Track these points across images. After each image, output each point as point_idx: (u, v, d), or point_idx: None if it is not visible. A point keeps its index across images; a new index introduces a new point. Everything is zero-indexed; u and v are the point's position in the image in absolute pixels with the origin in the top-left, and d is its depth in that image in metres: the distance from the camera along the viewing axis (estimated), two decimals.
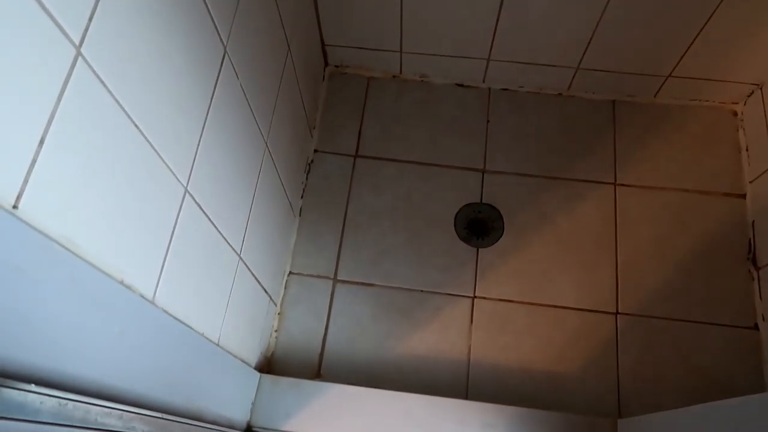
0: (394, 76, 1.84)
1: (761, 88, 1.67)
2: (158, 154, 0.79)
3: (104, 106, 0.66)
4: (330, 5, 1.60)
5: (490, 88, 1.82)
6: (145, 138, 0.75)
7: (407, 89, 1.83)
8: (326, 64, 1.84)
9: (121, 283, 0.74)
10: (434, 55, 1.74)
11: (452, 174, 1.72)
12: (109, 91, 0.66)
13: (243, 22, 1.04)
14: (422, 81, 1.83)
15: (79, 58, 0.60)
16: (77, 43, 0.60)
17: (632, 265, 1.61)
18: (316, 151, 1.75)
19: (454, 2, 1.53)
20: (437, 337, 1.55)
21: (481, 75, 1.79)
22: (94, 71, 0.63)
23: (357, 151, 1.75)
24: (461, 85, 1.83)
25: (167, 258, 0.86)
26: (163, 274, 0.85)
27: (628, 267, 1.61)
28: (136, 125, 0.73)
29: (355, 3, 1.58)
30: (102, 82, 0.64)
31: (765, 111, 1.63)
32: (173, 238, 0.87)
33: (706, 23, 1.49)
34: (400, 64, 1.80)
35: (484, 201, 1.69)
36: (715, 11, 1.45)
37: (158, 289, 0.84)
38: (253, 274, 1.31)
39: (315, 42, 1.68)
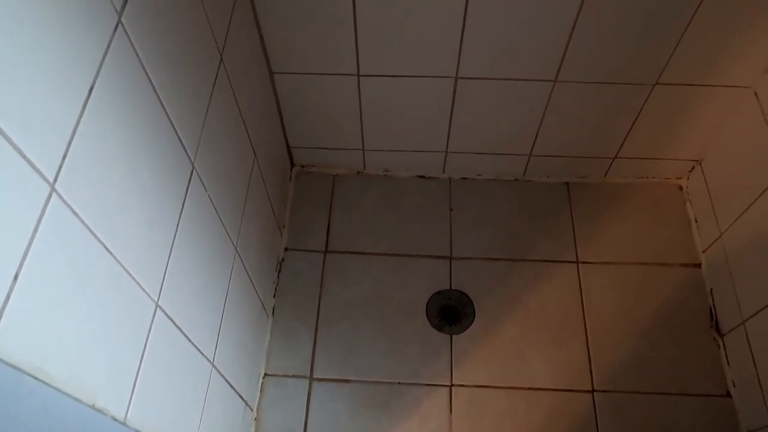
0: (358, 172, 1.92)
1: (700, 164, 1.79)
2: (129, 274, 0.81)
3: (77, 236, 0.69)
4: (293, 111, 1.69)
5: (450, 178, 1.91)
6: (117, 260, 0.78)
7: (372, 184, 1.90)
8: (292, 165, 1.91)
9: (93, 407, 0.74)
10: (395, 150, 1.83)
11: (420, 263, 1.76)
12: (82, 221, 0.69)
13: (209, 137, 1.10)
14: (385, 175, 1.91)
15: (53, 194, 0.64)
16: (51, 180, 0.64)
17: (602, 340, 1.64)
18: (286, 249, 1.79)
19: (409, 103, 1.63)
20: (417, 431, 1.53)
21: (441, 166, 1.88)
22: (68, 204, 0.66)
23: (326, 246, 1.79)
24: (423, 177, 1.91)
25: (139, 376, 0.86)
26: (135, 392, 0.85)
27: (598, 342, 1.64)
28: (107, 249, 0.75)
29: (319, 109, 1.68)
30: (75, 213, 0.68)
31: (707, 184, 1.74)
32: (145, 355, 0.88)
33: (642, 108, 1.62)
34: (363, 161, 1.88)
35: (453, 287, 1.73)
36: (648, 97, 1.58)
37: (130, 408, 0.84)
38: (227, 381, 1.30)
39: (280, 146, 1.76)
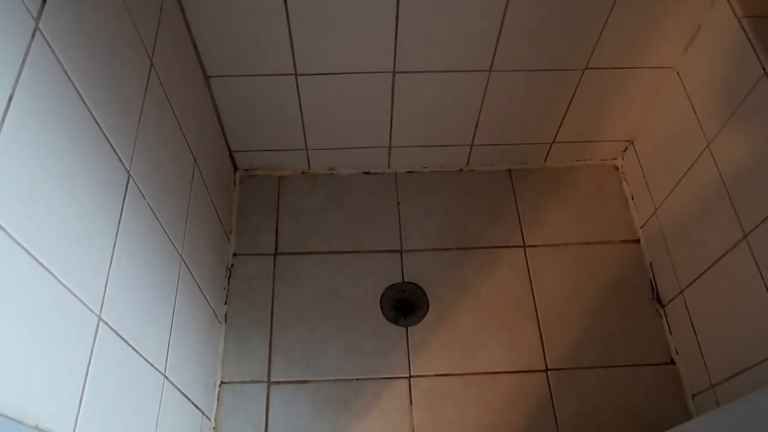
0: (303, 173, 1.91)
1: (633, 144, 1.87)
2: (68, 289, 0.79)
3: (10, 255, 0.66)
4: (234, 115, 1.67)
5: (396, 173, 1.92)
6: (55, 278, 0.75)
7: (318, 183, 1.90)
8: (236, 169, 1.89)
9: (36, 427, 0.71)
10: (339, 148, 1.83)
11: (372, 258, 1.77)
12: (14, 240, 0.67)
13: (144, 144, 1.08)
14: (331, 173, 1.91)
15: None
16: None
17: (552, 320, 1.69)
18: (235, 254, 1.76)
19: (350, 100, 1.64)
20: (380, 425, 1.54)
21: (386, 161, 1.89)
22: (4, 230, 0.64)
23: (276, 249, 1.77)
24: (369, 173, 1.92)
25: (85, 392, 0.84)
26: (81, 409, 0.82)
27: (549, 322, 1.69)
28: (45, 268, 0.73)
29: (260, 111, 1.66)
30: (7, 233, 0.65)
31: (640, 163, 1.82)
32: (90, 370, 0.85)
33: (574, 92, 1.67)
34: (307, 161, 1.87)
35: (406, 280, 1.74)
36: (580, 81, 1.64)
37: (77, 426, 0.81)
38: (181, 392, 1.27)
39: (222, 150, 1.73)
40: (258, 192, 1.87)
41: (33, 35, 0.72)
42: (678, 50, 1.56)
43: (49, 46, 0.75)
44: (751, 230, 1.29)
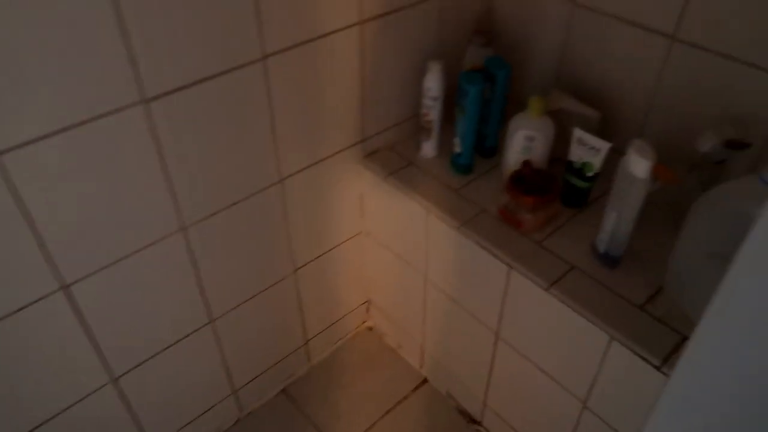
0: None
1: (370, 302, 1.96)
2: None
3: None
4: None
5: None
6: None
7: None
8: None
9: None
10: None
11: None
12: None
13: None
14: None
15: None
16: None
17: None
18: None
19: None
20: None
21: None
22: None
23: None
24: None
25: None
26: None
27: None
28: None
29: None
30: None
31: (385, 312, 1.90)
32: None
33: (299, 297, 1.68)
34: None
35: None
36: (297, 288, 1.65)
37: None
38: None
39: None
40: None
41: None
42: (359, 215, 1.71)
43: None
44: None
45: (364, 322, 2.02)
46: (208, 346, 1.52)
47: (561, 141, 1.37)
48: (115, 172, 1.11)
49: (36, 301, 1.12)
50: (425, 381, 1.86)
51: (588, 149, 1.30)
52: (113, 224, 1.16)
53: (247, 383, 1.71)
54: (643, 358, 1.11)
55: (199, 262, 1.36)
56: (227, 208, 1.34)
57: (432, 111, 1.48)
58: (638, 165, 1.11)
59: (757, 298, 0.50)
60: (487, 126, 1.49)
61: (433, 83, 1.44)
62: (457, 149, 1.48)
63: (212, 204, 1.31)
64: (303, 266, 1.64)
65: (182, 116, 1.15)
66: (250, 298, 1.54)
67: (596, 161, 1.30)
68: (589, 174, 1.32)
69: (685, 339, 1.12)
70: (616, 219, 1.18)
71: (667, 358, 1.09)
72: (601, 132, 1.41)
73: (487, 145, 1.53)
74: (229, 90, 1.19)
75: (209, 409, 1.64)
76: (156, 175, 1.17)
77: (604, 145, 1.27)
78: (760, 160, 1.22)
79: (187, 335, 1.45)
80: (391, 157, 1.59)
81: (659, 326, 1.15)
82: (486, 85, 1.41)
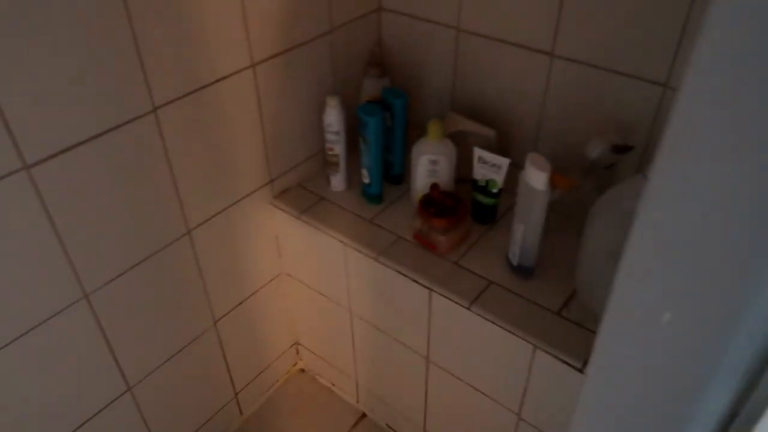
0: None
1: (299, 343, 1.91)
2: None
3: None
4: None
5: None
6: None
7: None
8: None
9: None
10: None
11: None
12: None
13: None
14: None
15: None
16: None
17: None
18: None
19: None
20: None
21: None
22: None
23: None
24: None
25: None
26: None
27: None
28: None
29: None
30: None
31: (314, 353, 1.86)
32: None
33: (223, 354, 1.62)
34: None
35: None
36: (220, 342, 1.59)
37: None
38: None
39: None
40: None
41: None
42: (276, 256, 1.67)
43: None
44: None
45: (295, 364, 1.96)
46: (129, 414, 1.43)
47: (465, 161, 1.41)
48: (5, 245, 1.03)
49: None
50: (364, 416, 1.83)
51: (490, 167, 1.34)
52: (8, 299, 1.08)
53: None
54: (566, 363, 1.14)
55: (106, 329, 1.27)
56: (131, 269, 1.28)
57: (336, 145, 1.48)
58: (536, 177, 1.15)
59: (646, 293, 0.52)
60: (392, 154, 1.52)
61: (332, 118, 1.45)
62: (366, 180, 1.48)
63: (114, 267, 1.24)
64: (223, 316, 1.58)
65: (69, 179, 1.09)
66: (169, 359, 1.47)
67: (498, 177, 1.34)
68: (494, 190, 1.36)
69: None
70: (524, 231, 1.22)
71: (587, 360, 1.12)
72: (501, 149, 1.46)
73: (394, 173, 1.55)
74: (119, 146, 1.14)
75: None
76: (50, 242, 1.10)
77: (503, 162, 1.32)
78: (645, 161, 1.30)
79: (103, 408, 1.35)
80: (302, 194, 1.57)
81: (577, 329, 1.19)
82: (385, 114, 1.43)
